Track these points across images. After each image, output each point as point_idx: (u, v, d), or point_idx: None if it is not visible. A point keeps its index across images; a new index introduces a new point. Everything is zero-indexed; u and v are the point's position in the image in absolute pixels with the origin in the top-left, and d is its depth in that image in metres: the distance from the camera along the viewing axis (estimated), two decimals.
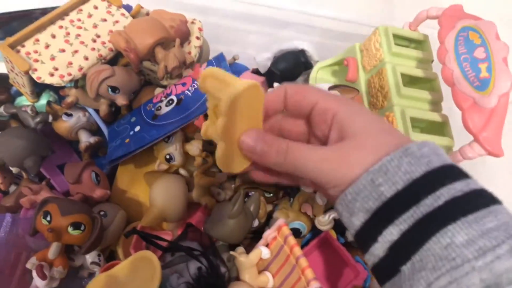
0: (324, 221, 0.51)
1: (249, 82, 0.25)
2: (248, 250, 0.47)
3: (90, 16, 0.57)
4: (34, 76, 0.50)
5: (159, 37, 0.51)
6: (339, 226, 0.53)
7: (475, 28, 0.48)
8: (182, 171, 0.54)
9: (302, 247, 0.52)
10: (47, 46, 0.53)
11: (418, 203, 0.23)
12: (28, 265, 0.43)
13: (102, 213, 0.49)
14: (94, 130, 0.58)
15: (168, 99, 0.54)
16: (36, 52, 0.52)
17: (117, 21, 0.57)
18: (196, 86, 0.53)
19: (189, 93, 0.53)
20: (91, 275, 0.49)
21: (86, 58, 0.53)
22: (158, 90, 0.58)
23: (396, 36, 0.54)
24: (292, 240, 0.43)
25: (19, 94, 0.58)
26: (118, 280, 0.41)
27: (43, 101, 0.56)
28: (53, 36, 0.54)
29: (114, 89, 0.52)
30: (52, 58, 0.52)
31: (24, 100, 0.57)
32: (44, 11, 0.57)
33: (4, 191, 0.55)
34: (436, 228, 0.22)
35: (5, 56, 0.51)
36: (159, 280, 0.39)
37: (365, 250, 0.25)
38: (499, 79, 0.45)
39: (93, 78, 0.51)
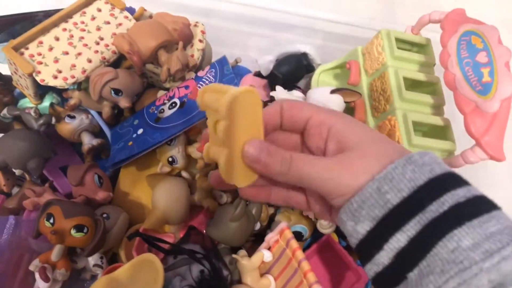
0: (326, 225, 0.51)
1: (245, 87, 0.26)
2: (250, 253, 0.47)
3: (93, 18, 0.57)
4: (38, 79, 0.51)
5: (162, 40, 0.52)
6: (340, 229, 0.53)
7: (478, 33, 0.49)
8: (184, 174, 0.54)
9: (304, 250, 0.52)
10: (50, 49, 0.53)
11: (424, 210, 0.23)
12: (31, 267, 0.43)
13: (104, 215, 0.49)
14: (96, 132, 0.58)
15: (171, 102, 0.54)
16: (39, 54, 0.52)
17: (120, 24, 0.58)
18: (199, 88, 0.53)
19: (192, 96, 0.53)
20: (94, 277, 0.49)
21: (90, 61, 0.53)
22: (161, 93, 0.58)
23: (398, 40, 0.54)
24: (294, 243, 0.43)
25: (23, 96, 0.58)
26: (120, 282, 0.42)
27: (46, 103, 0.56)
28: (57, 39, 0.54)
29: (117, 91, 0.52)
30: (56, 61, 0.52)
31: (27, 102, 0.57)
32: (48, 14, 0.58)
33: (7, 193, 0.55)
34: (442, 233, 0.22)
35: (9, 59, 0.51)
36: (162, 283, 0.39)
37: (368, 259, 0.25)
38: (502, 84, 0.45)
39: (96, 80, 0.51)
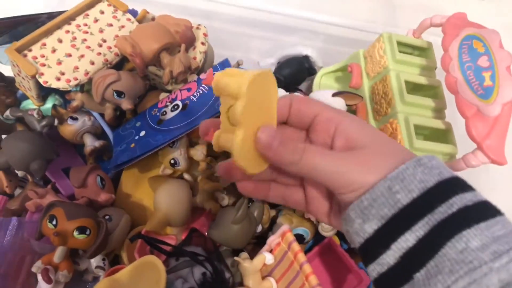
0: (328, 227, 0.51)
1: (263, 70, 0.26)
2: (252, 255, 0.47)
3: (96, 21, 0.57)
4: (41, 80, 0.51)
5: (164, 42, 0.52)
6: (342, 228, 0.53)
7: (479, 37, 0.49)
8: (186, 176, 0.54)
9: (305, 253, 0.53)
10: (53, 51, 0.53)
11: (433, 211, 0.23)
12: (34, 269, 0.43)
13: (107, 217, 0.49)
14: (99, 134, 0.58)
15: (173, 104, 0.54)
16: (43, 56, 0.52)
17: (123, 26, 0.58)
18: (201, 91, 0.53)
19: (194, 99, 0.53)
20: (96, 279, 0.49)
21: (92, 63, 0.53)
22: (163, 95, 0.58)
23: (400, 43, 0.55)
24: (296, 246, 0.43)
25: (25, 97, 0.58)
26: (122, 284, 0.42)
27: (48, 104, 0.56)
28: (60, 41, 0.54)
29: (119, 93, 0.52)
30: (59, 63, 0.52)
31: (30, 104, 0.57)
32: (51, 16, 0.58)
33: (10, 194, 0.55)
34: (451, 233, 0.23)
35: (12, 60, 0.51)
36: (164, 285, 0.39)
37: (372, 259, 0.25)
38: (503, 88, 0.45)
39: (99, 82, 0.51)
